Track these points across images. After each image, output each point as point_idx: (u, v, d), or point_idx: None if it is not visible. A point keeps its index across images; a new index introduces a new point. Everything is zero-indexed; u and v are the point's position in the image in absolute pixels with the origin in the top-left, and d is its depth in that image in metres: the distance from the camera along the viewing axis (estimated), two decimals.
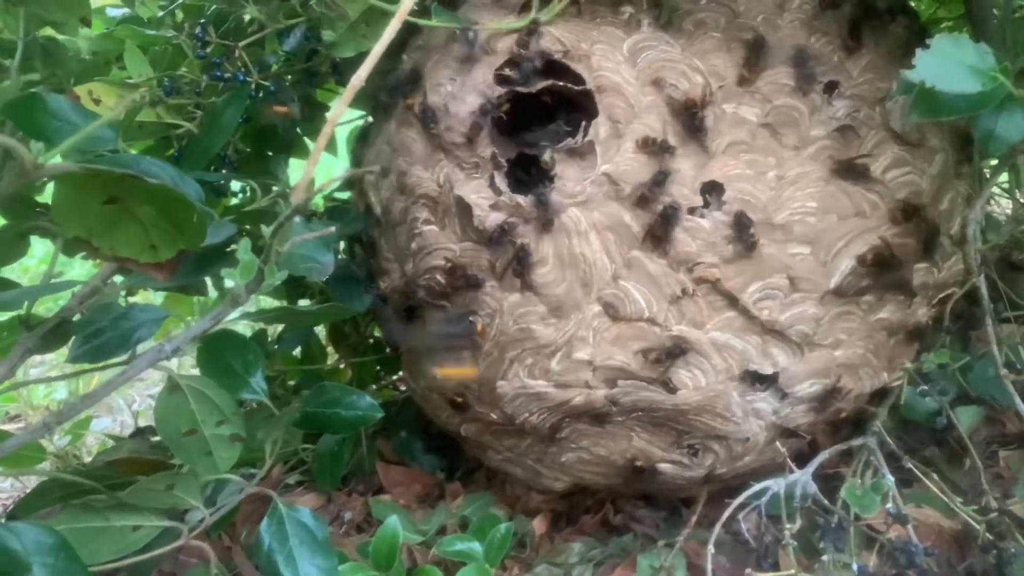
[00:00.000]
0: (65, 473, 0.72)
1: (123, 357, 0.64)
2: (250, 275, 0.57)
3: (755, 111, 0.65)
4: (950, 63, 0.52)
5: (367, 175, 0.77)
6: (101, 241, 0.59)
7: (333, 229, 0.61)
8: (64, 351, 0.66)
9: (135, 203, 0.57)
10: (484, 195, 0.67)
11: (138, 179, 0.54)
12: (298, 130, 0.97)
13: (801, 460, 0.70)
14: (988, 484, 0.68)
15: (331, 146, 1.10)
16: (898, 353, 0.71)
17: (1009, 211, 0.93)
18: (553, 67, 0.68)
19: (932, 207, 0.69)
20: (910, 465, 0.69)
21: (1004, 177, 0.87)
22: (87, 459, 1.02)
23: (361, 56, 0.76)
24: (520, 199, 0.66)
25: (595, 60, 0.66)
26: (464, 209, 0.68)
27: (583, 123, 0.66)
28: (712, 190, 0.64)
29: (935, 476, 0.67)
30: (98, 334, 0.63)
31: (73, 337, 0.64)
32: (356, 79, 0.54)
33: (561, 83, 0.67)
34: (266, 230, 0.55)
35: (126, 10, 0.90)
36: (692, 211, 0.64)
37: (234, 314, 0.64)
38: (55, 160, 0.53)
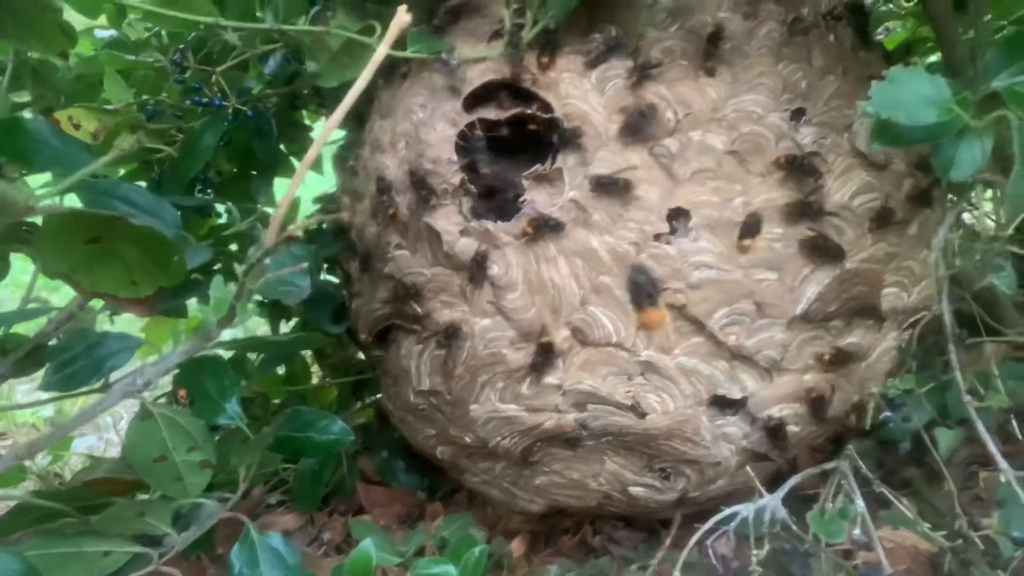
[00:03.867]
0: (41, 495, 0.72)
1: (97, 384, 0.65)
2: (222, 312, 0.57)
3: (721, 138, 0.65)
4: (906, 94, 0.53)
5: (343, 199, 0.78)
6: (83, 277, 0.60)
7: (307, 264, 0.62)
8: None
9: (118, 242, 0.59)
10: (453, 221, 0.68)
11: (121, 219, 0.55)
12: (283, 149, 0.98)
13: (779, 481, 0.70)
14: (966, 505, 0.68)
15: (317, 165, 1.11)
16: (870, 377, 0.71)
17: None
18: (522, 94, 0.68)
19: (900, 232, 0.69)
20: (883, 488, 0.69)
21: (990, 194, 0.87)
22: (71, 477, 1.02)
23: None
24: (489, 225, 0.67)
25: (563, 88, 0.67)
26: (434, 235, 0.69)
27: (552, 150, 0.67)
28: (678, 216, 0.65)
29: (910, 498, 0.67)
30: (72, 362, 0.64)
31: (47, 364, 0.65)
32: (333, 119, 0.54)
33: (529, 111, 0.67)
34: (239, 269, 0.55)
35: (114, 32, 0.91)
36: (658, 237, 0.64)
37: (210, 344, 0.65)
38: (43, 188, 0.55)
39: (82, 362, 0.63)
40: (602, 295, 0.65)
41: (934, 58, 1.01)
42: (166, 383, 1.12)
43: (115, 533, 0.62)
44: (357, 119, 0.82)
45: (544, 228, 0.65)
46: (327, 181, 1.15)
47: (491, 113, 0.68)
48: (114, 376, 0.65)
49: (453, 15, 0.73)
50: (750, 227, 0.64)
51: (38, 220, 0.61)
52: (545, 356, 0.67)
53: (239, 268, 0.56)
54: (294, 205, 1.01)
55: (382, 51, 0.56)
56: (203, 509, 0.68)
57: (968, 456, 0.87)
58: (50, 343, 0.69)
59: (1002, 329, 0.75)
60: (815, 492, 0.77)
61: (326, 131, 0.55)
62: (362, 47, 0.72)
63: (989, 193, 0.88)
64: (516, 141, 0.70)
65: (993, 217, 0.78)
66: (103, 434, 1.31)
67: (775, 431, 0.67)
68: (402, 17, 0.49)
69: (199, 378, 0.70)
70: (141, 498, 0.75)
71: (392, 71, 0.77)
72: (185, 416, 0.64)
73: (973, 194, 0.73)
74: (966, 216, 0.85)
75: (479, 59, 0.69)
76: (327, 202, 0.90)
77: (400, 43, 0.72)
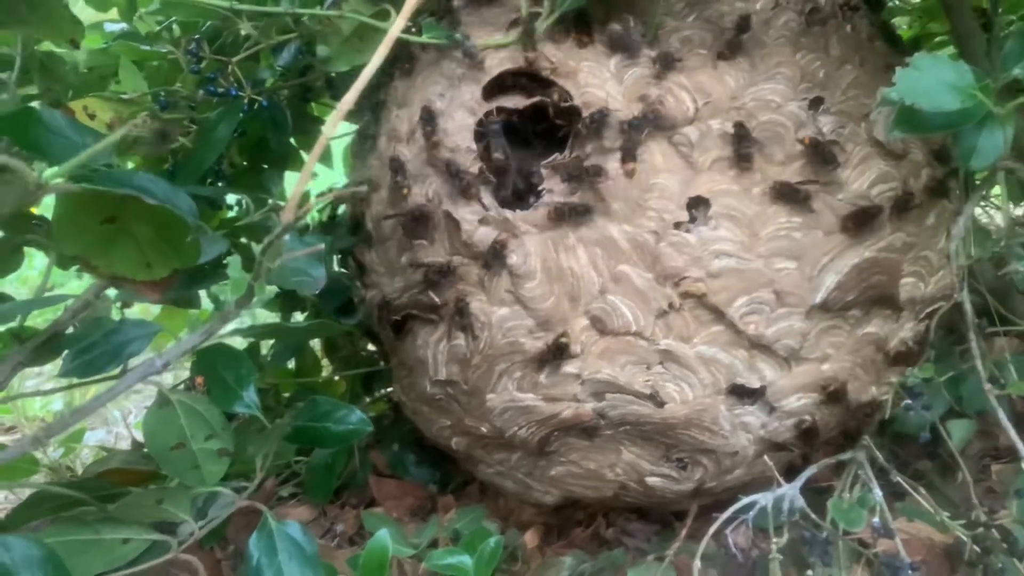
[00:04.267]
0: (56, 485, 0.72)
1: (115, 371, 0.64)
2: (240, 292, 0.57)
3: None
4: (929, 81, 0.53)
5: (358, 190, 0.77)
6: (98, 260, 0.60)
7: (323, 246, 0.62)
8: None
9: (132, 222, 0.58)
10: (473, 210, 0.68)
11: (136, 199, 0.55)
12: (293, 142, 0.98)
13: (794, 473, 0.70)
14: (979, 498, 0.68)
15: (327, 159, 1.11)
16: (887, 366, 0.71)
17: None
18: (541, 83, 0.68)
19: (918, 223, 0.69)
20: (899, 479, 0.69)
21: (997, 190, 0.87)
22: (82, 470, 1.02)
23: (355, 70, 0.77)
24: (508, 213, 0.67)
25: (582, 77, 0.67)
26: (453, 224, 0.68)
27: (570, 139, 0.67)
28: (698, 205, 0.65)
29: (924, 490, 0.67)
30: (89, 349, 0.63)
31: (65, 351, 0.65)
32: (345, 101, 0.54)
33: (548, 99, 0.67)
34: (256, 248, 0.55)
35: (124, 25, 0.91)
36: (678, 226, 0.64)
37: (226, 329, 0.65)
38: (56, 178, 0.54)
39: (100, 349, 0.63)
40: (621, 284, 0.65)
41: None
42: (180, 375, 1.13)
43: (134, 520, 0.61)
44: (372, 109, 0.81)
45: (571, 215, 0.64)
46: (336, 175, 1.16)
47: (511, 102, 0.68)
48: (131, 363, 0.64)
49: (471, 3, 0.73)
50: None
51: (49, 213, 0.61)
52: (558, 352, 0.67)
53: (256, 247, 0.55)
54: (305, 196, 1.01)
55: (397, 28, 0.56)
56: (220, 498, 0.68)
57: (981, 449, 0.87)
58: (66, 331, 0.68)
59: (1016, 320, 0.75)
60: (828, 484, 0.77)
61: (339, 110, 0.54)
62: (374, 31, 0.72)
63: (996, 190, 0.89)
64: (537, 129, 0.70)
65: (1007, 208, 0.79)
66: (112, 428, 1.31)
67: (807, 433, 0.67)
68: None
69: (215, 367, 0.69)
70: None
71: (409, 60, 0.77)
72: (203, 404, 0.64)
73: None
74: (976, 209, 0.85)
75: (497, 47, 0.69)
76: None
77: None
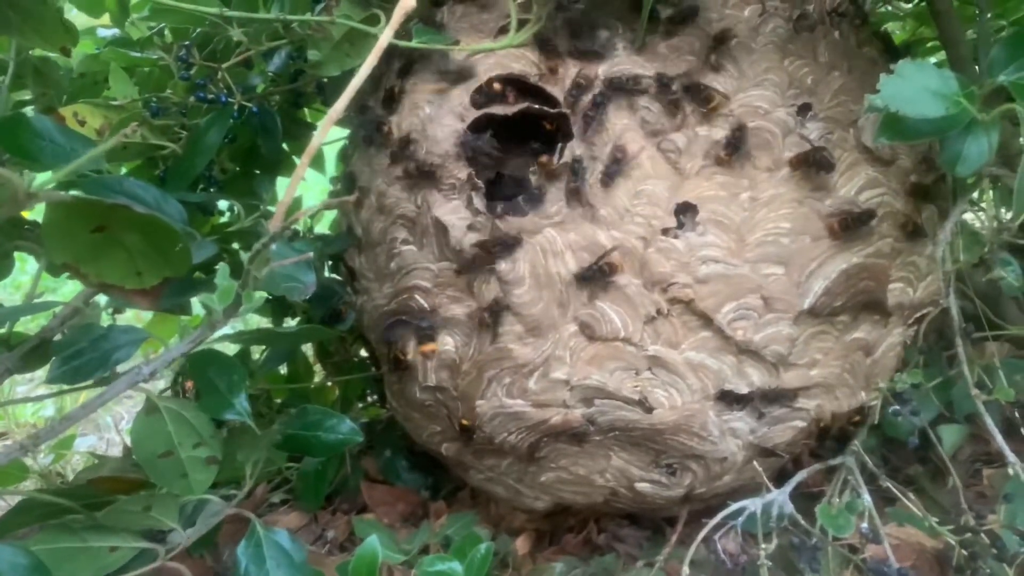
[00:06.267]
0: (45, 492, 0.72)
1: (103, 376, 0.64)
2: (228, 300, 0.57)
3: (728, 133, 0.65)
4: (914, 88, 0.53)
5: (346, 200, 0.77)
6: (88, 268, 0.60)
7: (311, 253, 0.62)
8: None
9: (122, 231, 0.58)
10: (461, 216, 0.68)
11: (125, 208, 0.55)
12: (285, 147, 0.98)
13: (784, 478, 0.70)
14: (970, 502, 0.68)
15: (319, 164, 1.11)
16: (876, 372, 0.72)
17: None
18: (529, 90, 0.69)
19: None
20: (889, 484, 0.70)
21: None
22: (73, 477, 1.02)
23: (345, 75, 0.78)
24: (497, 220, 0.67)
25: (570, 83, 0.67)
26: (441, 230, 0.68)
27: (559, 145, 0.67)
28: (686, 211, 0.65)
29: (914, 495, 0.67)
30: (78, 355, 0.63)
31: (53, 358, 0.64)
32: (335, 109, 0.54)
33: (537, 105, 0.67)
34: (244, 256, 0.55)
35: (116, 31, 0.91)
36: (666, 232, 0.65)
37: (216, 335, 0.65)
38: (45, 183, 0.54)
39: (88, 355, 0.63)
40: (610, 290, 0.65)
41: (933, 60, 1.01)
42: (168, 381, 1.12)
43: (121, 528, 0.61)
44: (359, 112, 0.81)
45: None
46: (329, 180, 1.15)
47: (499, 108, 0.68)
48: (120, 369, 0.64)
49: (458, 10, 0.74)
50: None
51: (40, 218, 0.61)
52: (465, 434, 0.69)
53: (244, 256, 0.55)
54: (296, 203, 1.01)
55: (386, 37, 0.56)
56: (209, 506, 0.67)
57: (972, 453, 0.87)
58: (55, 338, 0.68)
59: (1005, 325, 0.75)
60: (819, 489, 0.77)
61: (330, 118, 0.54)
62: (364, 36, 0.72)
63: (989, 194, 0.89)
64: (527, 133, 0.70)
65: (993, 213, 0.79)
66: (104, 434, 1.30)
67: (824, 432, 0.68)
68: (407, 2, 0.49)
69: (206, 372, 0.69)
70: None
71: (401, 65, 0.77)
72: (191, 411, 0.64)
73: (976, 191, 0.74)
74: (967, 215, 0.85)
75: (486, 54, 0.69)
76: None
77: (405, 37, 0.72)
